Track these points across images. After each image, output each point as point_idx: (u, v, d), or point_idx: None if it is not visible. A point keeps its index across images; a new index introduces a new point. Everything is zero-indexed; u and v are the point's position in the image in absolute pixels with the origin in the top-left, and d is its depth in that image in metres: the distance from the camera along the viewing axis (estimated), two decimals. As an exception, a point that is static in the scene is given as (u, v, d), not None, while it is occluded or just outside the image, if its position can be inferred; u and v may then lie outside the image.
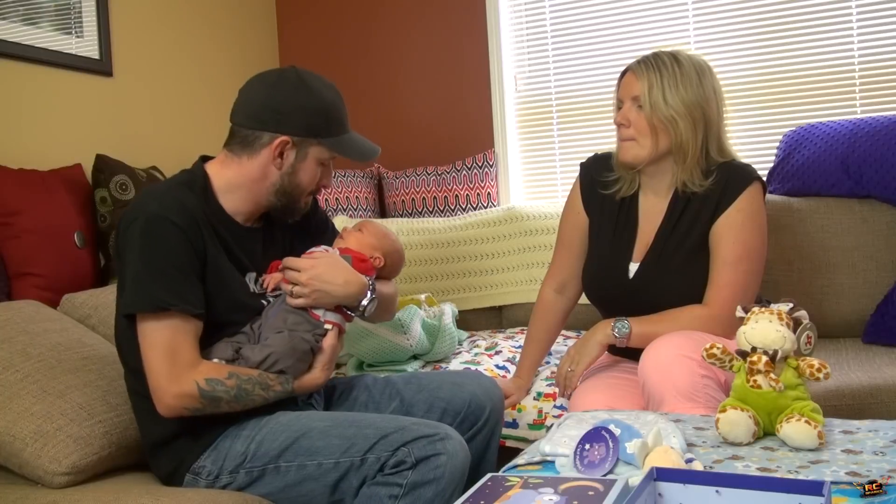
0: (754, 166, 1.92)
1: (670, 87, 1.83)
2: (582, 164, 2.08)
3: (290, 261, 1.68)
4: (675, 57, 1.86)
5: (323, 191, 1.77)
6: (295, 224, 1.79)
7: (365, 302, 1.70)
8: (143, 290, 1.52)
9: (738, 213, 1.83)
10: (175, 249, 1.53)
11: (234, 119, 1.68)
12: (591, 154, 2.09)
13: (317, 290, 1.64)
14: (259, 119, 1.64)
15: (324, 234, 1.88)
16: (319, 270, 1.65)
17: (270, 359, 1.58)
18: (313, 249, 1.76)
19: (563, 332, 2.47)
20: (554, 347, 2.31)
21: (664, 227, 1.90)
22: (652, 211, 1.94)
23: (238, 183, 1.66)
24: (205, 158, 1.72)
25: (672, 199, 1.91)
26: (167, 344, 1.52)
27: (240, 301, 1.65)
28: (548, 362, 2.29)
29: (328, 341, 1.67)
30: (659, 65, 1.85)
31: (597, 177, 2.01)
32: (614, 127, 1.93)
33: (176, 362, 1.52)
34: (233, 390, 1.54)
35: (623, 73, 1.93)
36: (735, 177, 1.86)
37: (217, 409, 1.55)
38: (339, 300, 1.68)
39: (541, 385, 2.16)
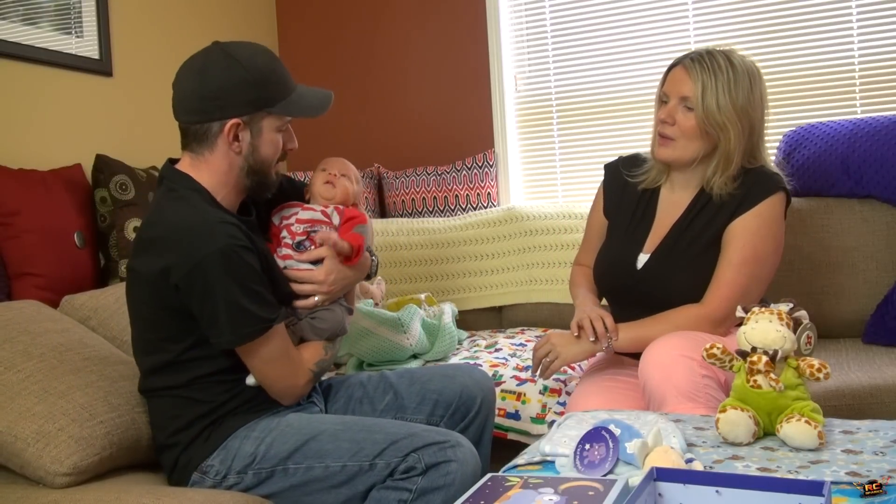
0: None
1: (724, 91, 1.77)
2: (606, 166, 2.08)
3: (301, 276, 1.72)
4: (729, 59, 1.80)
5: (290, 152, 1.72)
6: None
7: (374, 268, 1.90)
8: (247, 319, 1.54)
9: (755, 217, 1.81)
10: (254, 269, 1.56)
11: (177, 117, 1.62)
12: (616, 157, 2.10)
13: (340, 290, 1.77)
14: (202, 111, 1.58)
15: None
16: (335, 275, 1.74)
17: (332, 334, 1.76)
18: (291, 206, 1.80)
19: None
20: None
21: (681, 221, 1.89)
22: (673, 205, 1.93)
23: (217, 181, 1.62)
24: (172, 161, 1.66)
25: (695, 196, 1.89)
26: (281, 353, 1.62)
27: (288, 287, 1.72)
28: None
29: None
30: (714, 66, 1.78)
31: (622, 169, 2.01)
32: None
33: (292, 362, 1.65)
34: (331, 359, 1.77)
35: (671, 67, 1.87)
36: (760, 183, 1.83)
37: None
38: (357, 283, 1.87)
39: (549, 380, 2.16)
